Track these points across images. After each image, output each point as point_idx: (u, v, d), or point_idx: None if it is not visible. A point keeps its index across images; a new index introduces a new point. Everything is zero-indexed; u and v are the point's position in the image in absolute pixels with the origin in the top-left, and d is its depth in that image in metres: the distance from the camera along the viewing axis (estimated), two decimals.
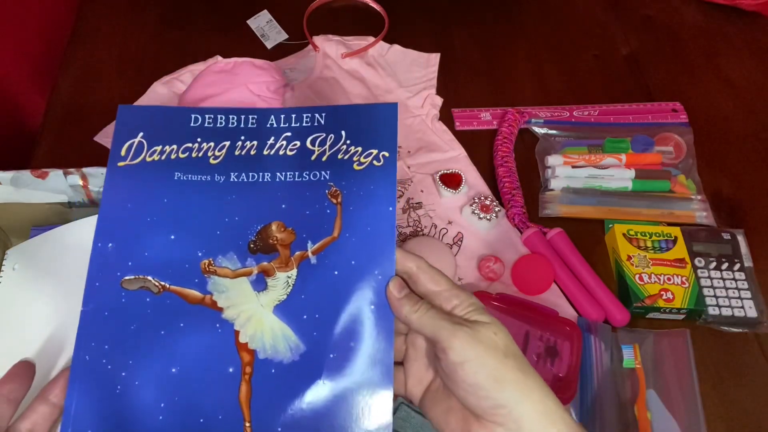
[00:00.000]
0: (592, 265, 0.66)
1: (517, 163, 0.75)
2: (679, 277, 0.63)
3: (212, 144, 0.44)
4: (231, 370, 0.39)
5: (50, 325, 0.44)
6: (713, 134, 0.79)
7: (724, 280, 0.65)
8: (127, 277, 0.40)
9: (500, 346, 0.36)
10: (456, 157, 0.75)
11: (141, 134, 0.44)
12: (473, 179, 0.73)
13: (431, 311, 0.38)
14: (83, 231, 0.46)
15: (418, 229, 0.69)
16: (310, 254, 0.41)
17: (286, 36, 0.87)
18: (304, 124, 0.45)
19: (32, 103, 0.84)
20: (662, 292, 0.62)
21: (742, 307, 0.63)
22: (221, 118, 0.45)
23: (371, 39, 0.85)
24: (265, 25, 0.89)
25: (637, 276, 0.64)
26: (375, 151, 0.43)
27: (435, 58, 0.85)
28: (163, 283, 0.40)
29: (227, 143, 0.44)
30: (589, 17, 0.93)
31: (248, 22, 0.89)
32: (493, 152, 0.76)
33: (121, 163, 0.43)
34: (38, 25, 0.86)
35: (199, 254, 0.41)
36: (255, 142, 0.44)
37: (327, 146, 0.44)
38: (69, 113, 0.78)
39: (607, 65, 0.86)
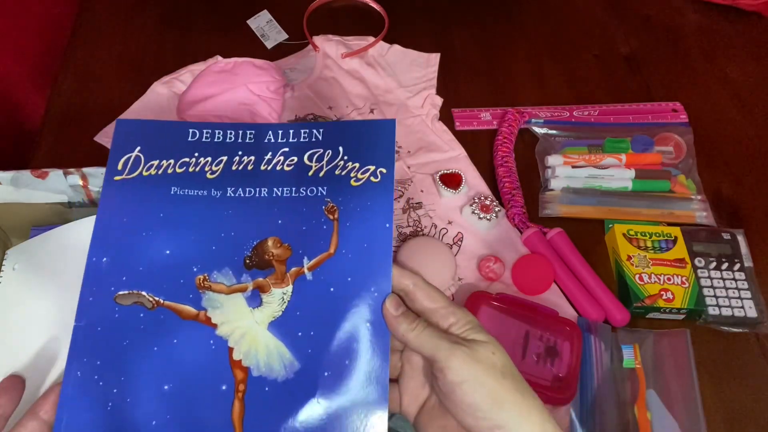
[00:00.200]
0: (592, 265, 0.65)
1: (517, 163, 0.75)
2: (679, 277, 0.63)
3: (209, 159, 0.44)
4: (224, 387, 0.38)
5: (50, 326, 0.44)
6: (713, 134, 0.79)
7: (724, 280, 0.65)
8: (121, 292, 0.40)
9: (498, 365, 0.36)
10: (456, 157, 0.75)
11: (138, 148, 0.44)
12: (473, 179, 0.73)
13: (428, 329, 0.38)
14: (83, 231, 0.46)
15: (418, 229, 0.69)
16: (306, 270, 0.41)
17: (286, 36, 0.87)
18: (301, 140, 0.45)
19: (32, 103, 0.84)
20: (662, 292, 0.62)
21: (742, 307, 0.63)
22: (219, 133, 0.45)
23: (371, 39, 0.85)
24: (265, 25, 0.89)
25: (637, 276, 0.64)
26: (372, 167, 0.43)
27: (435, 58, 0.85)
28: (157, 298, 0.40)
29: (225, 158, 0.44)
30: (589, 17, 0.93)
31: (248, 22, 0.89)
32: (493, 152, 0.76)
33: (117, 177, 0.43)
34: (38, 25, 0.86)
35: (194, 269, 0.41)
36: (252, 158, 0.44)
37: (324, 162, 0.44)
38: (69, 113, 0.78)
39: (607, 65, 0.86)
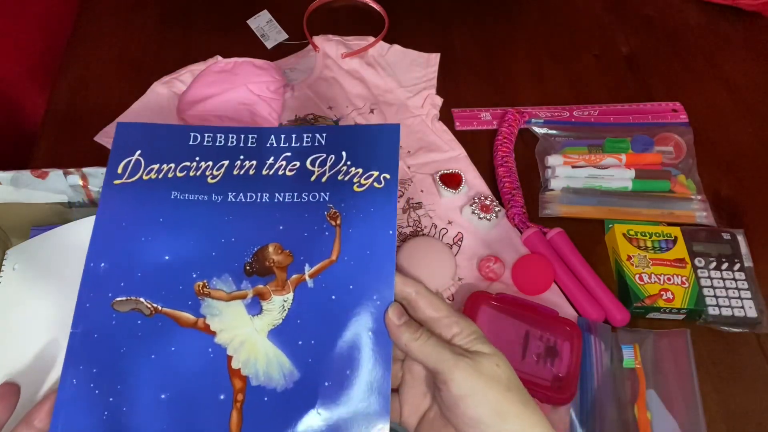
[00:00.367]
0: (592, 265, 0.65)
1: (517, 163, 0.75)
2: (679, 277, 0.63)
3: (211, 163, 0.43)
4: (222, 397, 0.38)
5: (50, 326, 0.44)
6: (713, 134, 0.79)
7: (724, 280, 0.65)
8: (118, 299, 0.39)
9: (503, 378, 0.36)
10: (456, 157, 0.75)
11: (139, 152, 0.43)
12: (473, 179, 0.73)
13: (432, 340, 0.37)
14: (83, 231, 0.46)
15: (418, 229, 0.69)
16: (307, 277, 0.40)
17: (286, 36, 0.87)
18: (304, 144, 0.44)
19: (32, 103, 0.84)
20: (662, 292, 0.62)
21: (742, 307, 0.63)
22: (221, 137, 0.44)
23: (371, 39, 0.85)
24: (265, 25, 0.89)
25: (637, 276, 0.64)
26: (376, 173, 0.42)
27: (435, 58, 0.85)
28: (155, 305, 0.39)
29: (226, 162, 0.43)
30: (589, 17, 0.93)
31: (248, 22, 0.89)
32: (493, 152, 0.76)
33: (117, 181, 0.42)
34: (38, 25, 0.86)
35: (194, 276, 0.40)
36: (254, 162, 0.43)
37: (327, 167, 0.43)
38: (69, 113, 0.78)
39: (607, 65, 0.86)
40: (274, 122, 0.75)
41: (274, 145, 0.44)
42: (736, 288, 0.64)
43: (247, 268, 0.40)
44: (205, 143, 0.44)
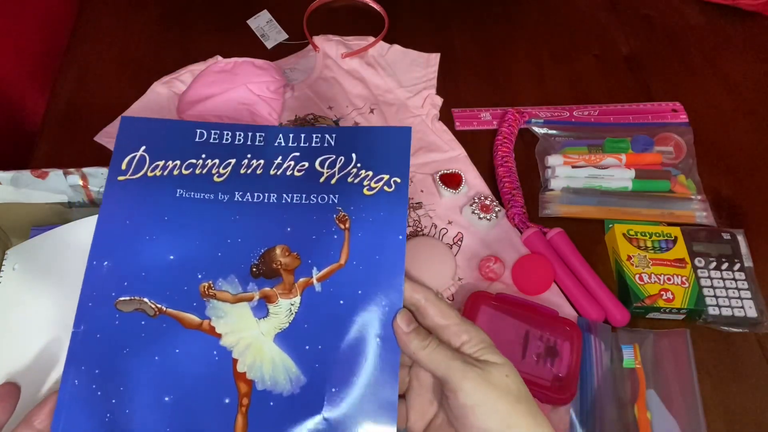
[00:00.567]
0: (592, 265, 0.65)
1: (517, 163, 0.75)
2: (679, 277, 0.63)
3: (217, 161, 0.42)
4: (227, 401, 0.37)
5: (50, 327, 0.44)
6: (713, 134, 0.79)
7: (724, 280, 0.65)
8: (122, 298, 0.39)
9: (513, 389, 0.35)
10: (456, 157, 0.75)
11: (143, 148, 0.42)
12: (473, 179, 0.73)
13: (440, 348, 0.37)
14: (83, 231, 0.46)
15: (418, 229, 0.69)
16: (314, 281, 0.39)
17: (286, 36, 0.87)
18: (313, 145, 0.43)
19: (32, 103, 0.84)
20: (662, 292, 0.62)
21: (742, 307, 0.63)
22: (227, 135, 0.43)
23: (371, 39, 0.85)
24: (265, 25, 0.89)
25: (637, 276, 0.64)
26: (386, 176, 0.41)
27: (435, 58, 0.85)
28: (159, 305, 0.38)
29: (233, 161, 0.42)
30: (589, 17, 0.93)
31: (248, 22, 0.89)
32: (493, 152, 0.76)
33: (121, 177, 0.41)
34: (38, 25, 0.86)
35: (199, 276, 0.39)
36: (262, 161, 0.43)
37: (336, 169, 0.42)
38: (69, 113, 0.78)
39: (607, 65, 0.86)
40: (274, 122, 0.75)
41: (282, 144, 0.43)
42: (736, 288, 0.64)
43: (254, 269, 0.40)
44: (211, 140, 0.43)
